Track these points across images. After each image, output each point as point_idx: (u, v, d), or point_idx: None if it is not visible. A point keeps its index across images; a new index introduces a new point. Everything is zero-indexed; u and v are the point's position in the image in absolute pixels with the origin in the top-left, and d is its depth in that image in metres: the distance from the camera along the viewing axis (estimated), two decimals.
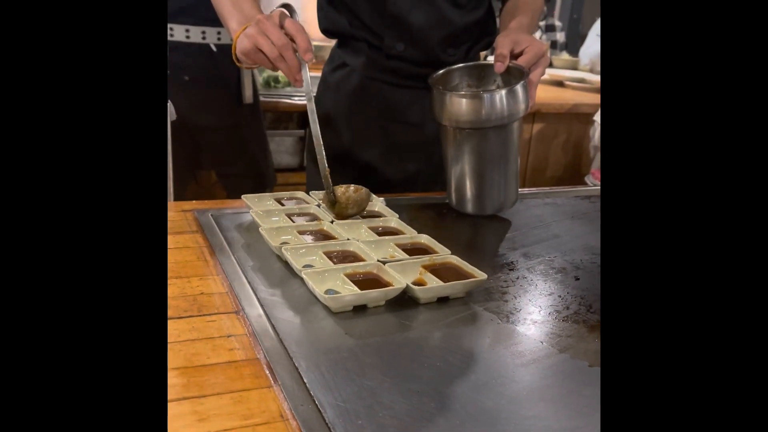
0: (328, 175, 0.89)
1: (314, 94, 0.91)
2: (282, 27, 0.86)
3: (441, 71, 1.02)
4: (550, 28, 3.79)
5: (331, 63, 1.19)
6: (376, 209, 0.92)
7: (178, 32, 1.58)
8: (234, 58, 0.93)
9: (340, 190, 0.89)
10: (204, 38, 1.61)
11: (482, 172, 0.96)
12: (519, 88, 0.92)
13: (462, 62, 1.05)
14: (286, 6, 0.91)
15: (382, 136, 1.14)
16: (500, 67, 0.95)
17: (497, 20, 1.15)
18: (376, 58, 1.10)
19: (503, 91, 0.92)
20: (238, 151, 1.67)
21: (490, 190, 0.98)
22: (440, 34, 1.07)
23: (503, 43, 0.95)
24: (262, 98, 1.78)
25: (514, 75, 0.96)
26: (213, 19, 1.60)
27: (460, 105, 0.93)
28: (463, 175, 0.98)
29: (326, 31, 1.16)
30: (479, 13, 1.10)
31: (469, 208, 0.99)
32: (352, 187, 0.89)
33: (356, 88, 1.14)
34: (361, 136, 1.15)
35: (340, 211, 0.88)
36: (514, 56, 0.95)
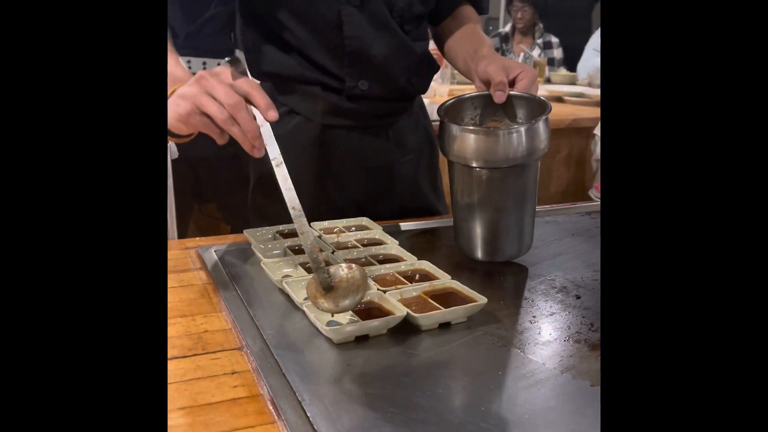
0: (320, 256, 0.70)
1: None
2: (230, 84, 0.71)
3: (450, 100, 0.90)
4: (547, 45, 3.83)
5: None
6: (377, 237, 0.93)
7: None
8: None
9: (337, 271, 0.68)
10: (204, 68, 1.65)
11: (495, 217, 0.85)
12: (541, 124, 0.82)
13: (423, 92, 0.98)
14: (233, 60, 0.73)
15: (346, 186, 1.06)
16: (501, 96, 0.86)
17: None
18: (336, 102, 1.00)
19: (523, 128, 0.80)
20: (238, 182, 1.69)
21: (504, 236, 0.86)
22: (403, 63, 1.02)
23: (495, 70, 0.87)
24: None
25: (519, 105, 0.88)
26: (212, 51, 1.65)
27: (470, 141, 0.81)
28: (472, 218, 0.86)
29: (266, 74, 1.03)
30: (426, 44, 1.06)
31: (479, 254, 0.88)
32: (353, 267, 0.69)
33: (313, 139, 1.03)
34: (323, 190, 1.05)
35: (335, 301, 0.66)
36: (509, 83, 0.88)
